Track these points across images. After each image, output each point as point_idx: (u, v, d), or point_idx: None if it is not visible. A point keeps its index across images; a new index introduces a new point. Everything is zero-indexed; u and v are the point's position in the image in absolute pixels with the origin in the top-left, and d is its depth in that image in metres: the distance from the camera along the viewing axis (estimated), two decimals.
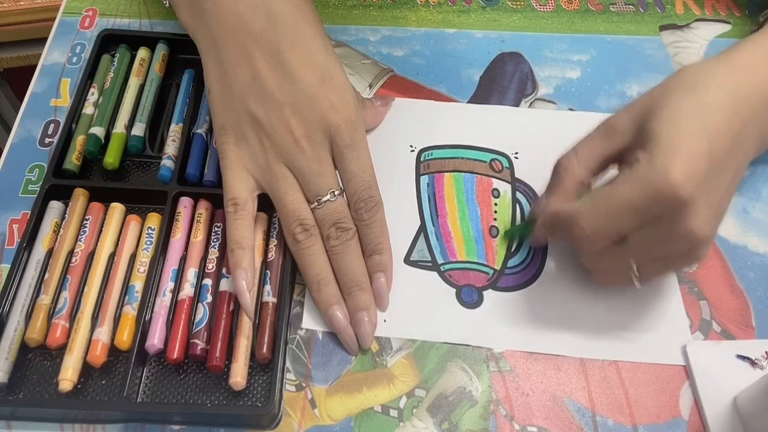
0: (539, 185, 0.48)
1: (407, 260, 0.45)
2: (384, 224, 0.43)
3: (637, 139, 0.39)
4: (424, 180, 0.48)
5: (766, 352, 0.42)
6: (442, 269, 0.45)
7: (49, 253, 0.42)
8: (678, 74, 0.40)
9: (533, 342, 0.42)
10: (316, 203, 0.42)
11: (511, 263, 0.45)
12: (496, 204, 0.47)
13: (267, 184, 0.42)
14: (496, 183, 0.48)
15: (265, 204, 0.44)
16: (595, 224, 0.38)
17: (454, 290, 0.44)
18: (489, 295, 0.44)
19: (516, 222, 0.47)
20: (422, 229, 0.46)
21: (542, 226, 0.42)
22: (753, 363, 0.41)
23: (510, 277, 0.45)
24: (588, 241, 0.39)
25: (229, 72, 0.42)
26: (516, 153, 0.50)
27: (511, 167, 0.49)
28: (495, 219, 0.47)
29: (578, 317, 0.43)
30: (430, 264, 0.45)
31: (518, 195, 0.48)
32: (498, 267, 0.45)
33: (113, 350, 0.39)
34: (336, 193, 0.42)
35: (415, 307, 0.43)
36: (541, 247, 0.46)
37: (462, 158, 0.49)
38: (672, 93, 0.39)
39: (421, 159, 0.49)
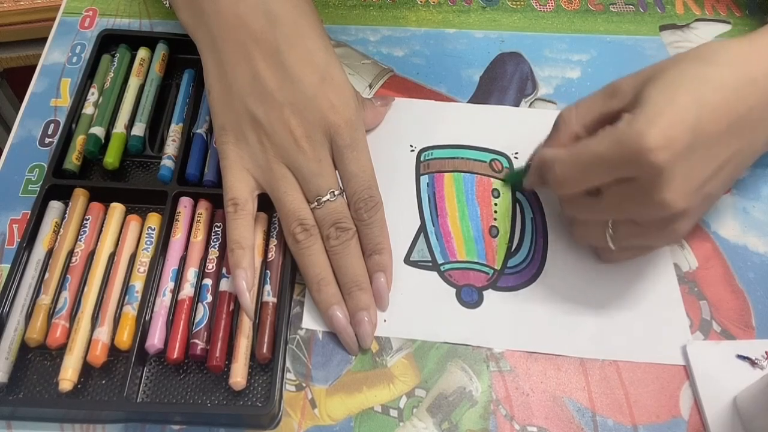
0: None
1: (407, 260, 0.45)
2: (384, 224, 0.43)
3: (632, 101, 0.39)
4: (424, 180, 0.48)
5: (766, 352, 0.41)
6: (442, 269, 0.45)
7: (49, 253, 0.42)
8: (695, 48, 0.39)
9: (533, 342, 0.42)
10: (315, 203, 0.42)
11: (511, 263, 0.45)
12: (496, 204, 0.47)
13: (267, 184, 0.42)
14: (496, 183, 0.48)
15: (265, 204, 0.44)
16: (567, 171, 0.39)
17: (454, 290, 0.44)
18: (489, 294, 0.44)
19: (516, 224, 0.47)
20: (422, 229, 0.46)
21: (533, 171, 0.43)
22: (753, 363, 0.41)
23: (510, 276, 0.45)
24: (561, 186, 0.40)
25: (228, 72, 0.42)
26: (516, 153, 0.50)
27: (511, 167, 0.49)
28: (495, 219, 0.47)
29: (578, 317, 0.43)
30: (430, 264, 0.45)
31: (518, 195, 0.48)
32: (498, 267, 0.45)
33: (113, 350, 0.39)
34: (336, 193, 0.42)
35: (415, 307, 0.43)
36: (541, 247, 0.46)
37: (462, 158, 0.49)
38: (679, 63, 0.38)
39: (421, 159, 0.49)
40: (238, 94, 0.41)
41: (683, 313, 0.43)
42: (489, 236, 0.46)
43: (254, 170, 0.42)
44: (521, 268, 0.45)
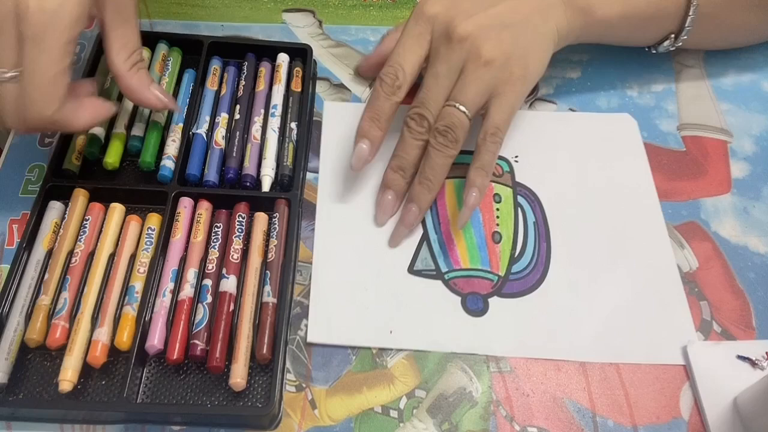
0: (540, 188, 0.48)
1: (411, 270, 0.45)
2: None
3: None
4: None
5: (766, 353, 0.41)
6: (447, 277, 0.44)
7: (49, 254, 0.42)
8: None
9: (539, 348, 0.42)
10: (451, 103, 0.43)
11: (515, 269, 0.45)
12: (497, 209, 0.47)
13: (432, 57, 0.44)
14: (497, 188, 0.48)
15: (265, 204, 0.44)
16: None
17: (459, 298, 0.44)
18: (494, 301, 0.43)
19: (519, 229, 0.46)
20: (425, 237, 0.46)
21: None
22: (753, 363, 0.41)
23: (515, 282, 0.44)
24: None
25: None
26: (516, 157, 0.50)
27: (511, 171, 0.49)
28: (497, 225, 0.46)
29: (583, 320, 0.43)
30: (434, 273, 0.45)
31: (520, 199, 0.48)
32: (502, 273, 0.45)
33: (113, 351, 0.39)
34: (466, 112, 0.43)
35: (420, 317, 0.43)
36: (544, 251, 0.45)
37: (462, 164, 0.49)
38: None
39: None
40: None
41: (688, 313, 0.43)
42: (492, 242, 0.46)
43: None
44: (525, 274, 0.45)
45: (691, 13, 0.48)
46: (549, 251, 0.46)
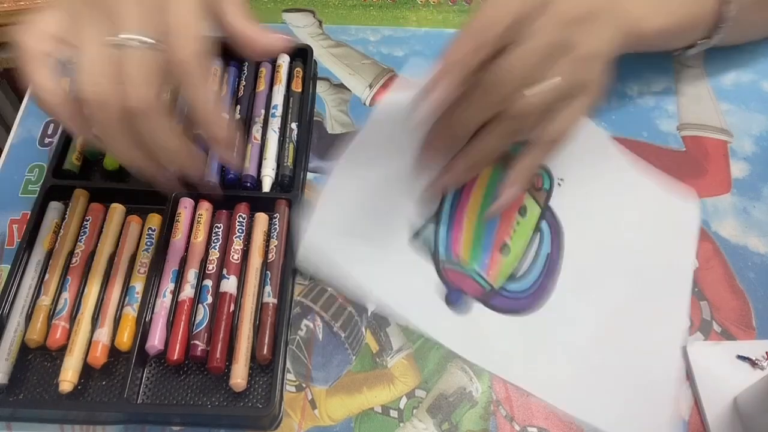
0: (569, 226, 0.46)
1: (411, 242, 0.45)
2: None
3: None
4: None
5: (766, 353, 0.41)
6: (440, 263, 0.44)
7: (49, 254, 0.42)
8: None
9: (503, 369, 0.41)
10: (534, 92, 0.39)
11: (510, 287, 0.44)
12: (518, 222, 0.46)
13: None
14: (527, 200, 0.46)
15: (266, 205, 0.44)
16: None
17: (445, 289, 0.43)
18: (478, 308, 0.43)
19: (530, 253, 0.45)
20: (436, 218, 0.46)
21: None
22: (753, 363, 0.41)
23: (505, 299, 0.43)
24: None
25: None
26: (561, 179, 0.47)
27: (549, 192, 0.47)
28: (510, 237, 0.45)
29: (559, 366, 0.41)
30: (431, 253, 0.45)
31: (543, 224, 0.46)
32: (496, 286, 0.44)
33: (113, 351, 0.39)
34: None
35: (403, 286, 0.43)
36: (546, 286, 0.44)
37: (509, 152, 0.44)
38: None
39: None
40: None
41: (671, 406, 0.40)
42: (497, 251, 0.45)
43: None
44: (518, 297, 0.43)
45: (724, 20, 0.47)
46: (550, 288, 0.44)
